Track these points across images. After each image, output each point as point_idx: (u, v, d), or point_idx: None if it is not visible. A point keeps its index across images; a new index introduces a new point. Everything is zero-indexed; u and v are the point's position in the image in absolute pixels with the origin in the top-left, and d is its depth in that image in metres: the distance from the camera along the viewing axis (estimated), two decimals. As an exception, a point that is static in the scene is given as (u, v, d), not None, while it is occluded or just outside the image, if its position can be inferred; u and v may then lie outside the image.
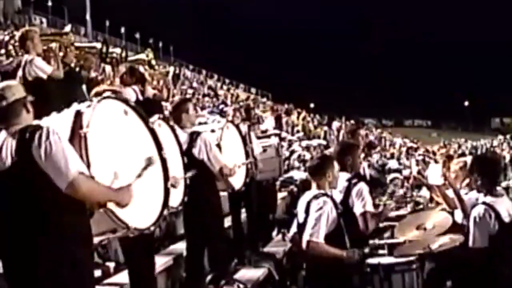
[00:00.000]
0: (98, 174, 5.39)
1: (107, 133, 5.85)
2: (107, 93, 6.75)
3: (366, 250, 8.30)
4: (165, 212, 6.38)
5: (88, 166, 5.30)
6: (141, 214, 5.93)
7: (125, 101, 6.42)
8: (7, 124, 5.25)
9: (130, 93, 12.47)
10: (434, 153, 28.37)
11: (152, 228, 6.17)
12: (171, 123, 8.65)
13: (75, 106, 5.86)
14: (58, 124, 5.51)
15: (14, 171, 5.05)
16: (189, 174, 7.89)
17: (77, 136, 5.44)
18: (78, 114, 5.63)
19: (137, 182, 5.74)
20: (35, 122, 5.40)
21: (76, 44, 13.75)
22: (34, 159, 4.99)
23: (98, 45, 14.15)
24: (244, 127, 11.45)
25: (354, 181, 8.72)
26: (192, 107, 9.81)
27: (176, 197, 7.55)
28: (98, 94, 7.98)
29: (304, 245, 7.63)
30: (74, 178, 4.98)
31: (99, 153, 5.58)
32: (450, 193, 9.10)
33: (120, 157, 5.89)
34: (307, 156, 19.28)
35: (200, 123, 11.47)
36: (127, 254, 8.12)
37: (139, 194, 5.79)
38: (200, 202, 8.89)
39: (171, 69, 17.14)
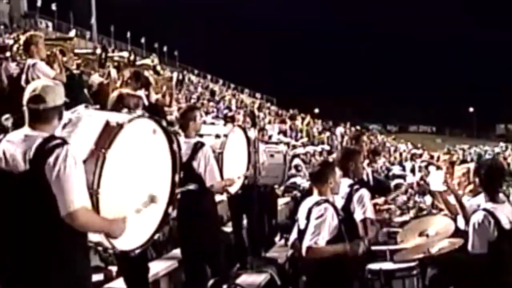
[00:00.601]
0: (105, 196, 5.41)
1: (128, 154, 5.82)
2: (140, 111, 6.71)
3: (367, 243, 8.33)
4: (156, 237, 6.33)
5: (98, 186, 5.32)
6: (131, 236, 5.88)
7: (157, 121, 6.33)
8: (36, 126, 5.26)
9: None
10: (438, 159, 28.37)
11: (137, 251, 6.06)
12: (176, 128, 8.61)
13: (105, 115, 5.87)
14: (84, 133, 5.58)
15: (23, 178, 5.08)
16: (191, 187, 7.87)
17: (96, 153, 5.44)
18: (105, 129, 5.63)
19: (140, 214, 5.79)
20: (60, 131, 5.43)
21: (76, 51, 13.79)
22: (45, 175, 5.01)
23: (98, 50, 14.18)
24: (253, 133, 11.47)
25: (356, 187, 8.75)
26: (199, 115, 9.80)
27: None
28: (120, 98, 8.03)
29: (304, 251, 7.64)
30: (75, 210, 5.02)
31: (115, 173, 5.58)
32: (452, 199, 9.12)
33: (136, 179, 5.88)
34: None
35: (204, 122, 11.39)
36: (120, 260, 8.15)
37: (138, 218, 5.82)
38: (197, 214, 8.90)
39: (175, 74, 17.17)
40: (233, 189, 10.15)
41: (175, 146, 6.44)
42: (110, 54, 13.61)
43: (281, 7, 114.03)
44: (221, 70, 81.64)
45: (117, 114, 6.02)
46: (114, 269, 9.12)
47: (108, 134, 5.57)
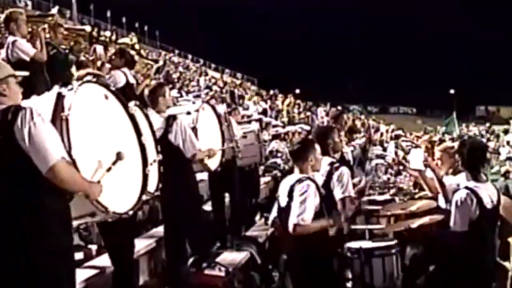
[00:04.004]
0: (78, 158, 5.40)
1: (88, 117, 5.87)
2: (89, 77, 6.77)
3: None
4: (144, 197, 6.43)
5: (70, 149, 5.31)
6: (120, 198, 5.99)
7: (106, 86, 6.45)
8: None
9: (120, 76, 12.51)
10: (417, 139, 28.48)
11: (130, 213, 6.16)
12: (147, 110, 8.62)
13: (57, 89, 5.85)
14: (39, 106, 5.48)
15: None
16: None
17: (58, 118, 5.44)
18: (60, 97, 5.64)
19: (112, 172, 5.80)
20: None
21: (66, 26, 13.70)
22: (16, 140, 4.96)
23: (88, 28, 14.11)
24: (221, 108, 11.48)
25: (336, 165, 8.76)
26: (169, 91, 9.79)
27: (151, 183, 7.58)
28: (80, 78, 7.98)
29: (290, 229, 7.61)
30: (56, 162, 4.98)
31: (81, 136, 5.58)
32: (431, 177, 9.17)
33: (100, 141, 5.93)
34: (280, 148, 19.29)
35: (175, 105, 11.42)
36: (106, 237, 8.14)
37: (118, 179, 5.87)
38: (177, 187, 8.90)
39: (160, 62, 17.20)
40: (213, 166, 10.15)
41: (130, 110, 6.50)
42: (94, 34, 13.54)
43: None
44: (202, 50, 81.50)
45: (68, 86, 6.02)
46: (93, 247, 9.12)
47: (63, 100, 5.61)
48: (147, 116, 7.98)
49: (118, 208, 5.95)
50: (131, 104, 6.81)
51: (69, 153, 5.26)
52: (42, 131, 4.99)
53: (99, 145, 5.88)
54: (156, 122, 8.73)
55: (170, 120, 9.06)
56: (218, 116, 10.63)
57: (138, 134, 6.47)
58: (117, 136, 6.21)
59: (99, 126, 6.01)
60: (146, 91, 9.63)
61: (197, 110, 9.95)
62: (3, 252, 5.08)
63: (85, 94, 5.89)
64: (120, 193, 6.01)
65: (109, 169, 5.81)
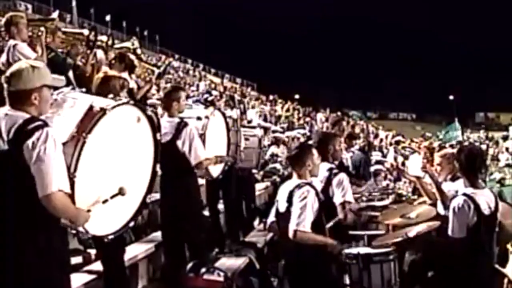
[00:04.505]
0: (80, 181, 5.40)
1: (108, 141, 5.82)
2: (125, 98, 6.66)
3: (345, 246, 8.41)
4: (131, 224, 6.34)
5: (75, 170, 5.32)
6: (105, 222, 5.91)
7: (142, 109, 6.35)
8: (15, 106, 5.23)
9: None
10: (419, 146, 28.50)
11: (110, 237, 6.07)
12: (160, 111, 8.61)
13: (90, 99, 5.84)
14: (67, 115, 5.57)
15: (1, 158, 5.07)
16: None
17: (77, 137, 5.45)
18: (88, 114, 5.61)
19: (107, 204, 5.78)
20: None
21: (63, 29, 13.68)
22: (23, 157, 4.99)
23: (86, 31, 14.09)
24: (234, 112, 11.48)
25: (335, 171, 8.78)
26: (184, 96, 9.80)
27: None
28: (105, 79, 7.99)
29: (290, 234, 7.62)
30: (52, 193, 4.99)
31: (92, 160, 5.56)
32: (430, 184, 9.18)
33: (112, 166, 5.88)
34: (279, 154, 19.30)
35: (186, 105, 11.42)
36: (97, 243, 8.13)
37: (112, 206, 5.81)
38: (179, 192, 8.91)
39: (162, 67, 17.18)
40: (215, 173, 10.17)
41: (158, 135, 6.45)
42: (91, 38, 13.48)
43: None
44: (202, 55, 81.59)
45: (102, 99, 5.99)
46: (92, 252, 9.10)
47: (90, 119, 5.56)
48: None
49: (99, 231, 5.90)
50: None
51: (72, 174, 5.28)
52: (49, 159, 4.99)
53: (108, 172, 5.83)
54: (166, 126, 8.76)
55: (181, 126, 9.05)
56: (227, 122, 10.60)
57: (155, 162, 6.42)
58: (133, 163, 6.15)
59: (118, 150, 5.95)
60: (162, 94, 9.60)
61: (207, 117, 9.92)
62: (9, 252, 5.11)
63: (115, 117, 5.81)
64: (108, 218, 5.91)
65: (105, 201, 5.76)
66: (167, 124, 8.97)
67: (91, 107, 5.67)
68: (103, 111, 5.65)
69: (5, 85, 5.29)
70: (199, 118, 9.82)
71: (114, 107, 5.79)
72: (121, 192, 5.85)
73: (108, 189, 5.78)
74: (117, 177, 5.92)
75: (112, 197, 5.81)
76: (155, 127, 6.44)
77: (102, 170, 5.75)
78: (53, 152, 5.03)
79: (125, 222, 6.20)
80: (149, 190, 6.44)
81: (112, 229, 6.05)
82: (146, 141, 6.33)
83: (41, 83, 5.35)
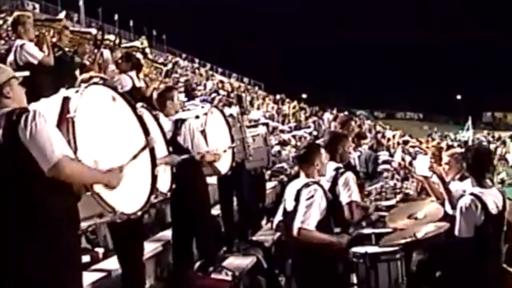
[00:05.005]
0: (85, 159, 5.41)
1: (95, 118, 5.86)
2: (95, 79, 6.79)
3: (354, 233, 8.40)
4: (152, 198, 6.40)
5: (76, 150, 5.31)
6: (128, 199, 5.96)
7: (113, 88, 6.45)
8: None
9: (126, 79, 12.52)
10: (427, 146, 28.45)
11: (139, 213, 6.16)
12: (155, 112, 8.65)
13: (63, 92, 5.87)
14: (45, 109, 5.49)
15: (1, 153, 5.05)
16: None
17: (64, 120, 5.46)
18: (66, 100, 5.64)
19: (128, 166, 5.85)
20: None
21: (71, 29, 13.72)
22: (20, 141, 4.97)
23: (94, 31, 14.12)
24: (234, 109, 11.49)
25: (341, 170, 8.78)
26: (177, 95, 9.82)
27: (165, 183, 7.62)
28: (84, 81, 8.01)
29: (295, 232, 7.62)
30: (58, 160, 4.96)
31: (87, 138, 5.58)
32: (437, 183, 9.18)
33: (108, 143, 5.92)
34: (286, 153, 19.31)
35: (183, 110, 11.44)
36: (116, 239, 8.15)
37: (127, 179, 5.83)
38: (186, 189, 8.90)
39: (169, 65, 17.23)
40: (223, 169, 10.19)
41: (138, 111, 6.48)
42: (99, 37, 13.52)
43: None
44: (209, 54, 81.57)
45: (74, 89, 6.03)
46: (100, 251, 9.13)
47: (69, 102, 5.61)
48: (156, 118, 8.01)
49: (126, 209, 5.93)
50: (138, 105, 6.83)
51: (75, 154, 5.28)
52: (43, 131, 5.00)
53: (107, 146, 5.88)
54: (165, 125, 8.77)
55: (179, 123, 9.07)
56: (227, 119, 10.63)
57: (147, 134, 6.47)
58: (125, 137, 6.20)
59: (106, 128, 5.99)
60: (155, 94, 9.64)
61: (206, 114, 9.97)
62: (8, 251, 5.09)
63: (91, 96, 5.88)
64: (129, 194, 5.97)
65: (135, 157, 5.94)
66: (166, 123, 8.93)
67: (66, 96, 5.73)
68: (78, 93, 5.72)
69: None
70: (197, 117, 9.86)
71: (86, 87, 5.89)
72: (149, 143, 6.09)
73: (111, 162, 5.80)
74: (117, 148, 5.99)
75: (142, 149, 6.05)
76: (132, 104, 6.47)
77: (98, 146, 5.79)
78: (45, 124, 5.05)
79: (146, 196, 6.27)
80: (154, 163, 6.45)
81: (136, 206, 6.14)
82: (128, 117, 6.36)
83: (8, 76, 5.41)
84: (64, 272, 5.23)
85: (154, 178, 6.42)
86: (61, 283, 5.21)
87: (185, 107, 13.83)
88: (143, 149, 6.04)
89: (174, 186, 7.74)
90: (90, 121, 5.75)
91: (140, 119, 6.47)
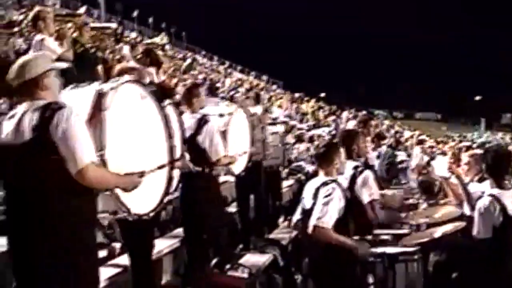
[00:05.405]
0: (111, 157, 5.46)
1: (125, 117, 5.89)
2: (128, 76, 6.78)
3: (369, 237, 8.37)
4: (166, 199, 6.42)
5: (103, 148, 5.37)
6: (142, 199, 5.98)
7: (144, 86, 6.47)
8: (33, 97, 5.27)
9: (148, 71, 12.54)
10: (444, 146, 28.32)
11: (151, 214, 6.19)
12: (181, 108, 8.68)
13: (97, 85, 5.90)
14: (78, 101, 5.56)
15: (30, 147, 5.06)
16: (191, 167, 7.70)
17: (96, 116, 5.49)
18: (100, 94, 5.66)
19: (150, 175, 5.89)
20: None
21: (92, 25, 13.78)
22: (50, 138, 4.99)
23: (114, 25, 14.18)
24: (258, 109, 11.49)
25: (360, 169, 8.74)
26: (204, 92, 9.84)
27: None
28: (122, 71, 8.04)
29: (310, 230, 7.62)
30: (85, 166, 5.00)
31: (115, 136, 5.62)
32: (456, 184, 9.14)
33: (133, 143, 5.95)
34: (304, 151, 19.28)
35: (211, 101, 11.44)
36: (125, 234, 8.15)
37: (144, 181, 5.86)
38: (200, 190, 8.91)
39: (188, 60, 17.27)
40: (237, 170, 10.19)
41: (166, 110, 6.53)
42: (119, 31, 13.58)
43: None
44: (228, 52, 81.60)
45: (108, 83, 6.04)
46: (117, 245, 9.14)
47: (102, 98, 5.62)
48: (180, 116, 8.03)
49: (140, 210, 5.99)
50: (166, 103, 6.85)
51: (101, 151, 5.32)
52: (76, 132, 5.02)
53: (132, 147, 5.91)
54: (187, 121, 8.78)
55: (202, 122, 9.08)
56: (250, 121, 10.62)
57: (169, 135, 6.46)
58: (150, 138, 6.22)
59: (134, 127, 6.02)
60: (182, 90, 9.66)
61: (231, 114, 9.96)
62: (29, 245, 5.12)
63: (125, 94, 5.92)
64: (144, 194, 5.98)
65: (161, 167, 6.05)
66: (189, 120, 9.00)
67: (100, 90, 5.72)
68: (112, 89, 5.74)
69: (13, 82, 5.36)
70: (221, 115, 9.86)
71: (120, 84, 5.91)
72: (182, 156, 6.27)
73: (136, 162, 5.85)
74: (139, 150, 6.01)
75: (168, 163, 6.20)
76: (160, 103, 6.50)
77: (125, 145, 5.83)
78: (78, 127, 5.06)
79: (160, 197, 6.28)
80: (172, 165, 6.45)
81: (150, 207, 6.16)
82: (154, 116, 6.37)
83: (45, 68, 5.41)
84: (81, 263, 5.26)
85: (170, 179, 6.41)
86: (78, 275, 5.23)
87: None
88: (176, 160, 6.16)
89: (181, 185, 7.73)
90: (120, 119, 5.78)
91: (166, 119, 6.47)
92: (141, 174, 5.73)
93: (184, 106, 9.32)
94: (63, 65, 5.78)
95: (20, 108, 5.26)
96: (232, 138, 9.74)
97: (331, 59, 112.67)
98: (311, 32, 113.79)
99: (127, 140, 5.87)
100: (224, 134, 9.54)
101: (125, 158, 5.75)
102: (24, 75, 5.32)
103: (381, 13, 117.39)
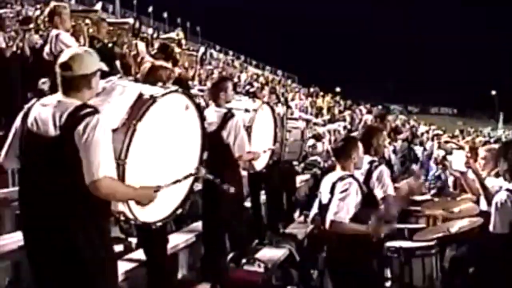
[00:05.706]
0: (132, 167, 5.46)
1: (159, 128, 5.85)
2: (172, 87, 6.65)
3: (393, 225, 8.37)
4: (178, 212, 6.34)
5: (126, 155, 5.38)
6: (154, 209, 5.90)
7: (190, 97, 6.40)
8: (68, 93, 5.27)
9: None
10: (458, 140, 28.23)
11: (158, 224, 6.11)
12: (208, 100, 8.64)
13: (139, 87, 5.91)
14: (117, 102, 5.63)
15: (53, 143, 5.09)
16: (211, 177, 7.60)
17: (127, 124, 5.50)
18: (139, 100, 5.68)
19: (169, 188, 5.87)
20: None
21: (109, 20, 13.81)
22: (74, 142, 5.01)
23: (131, 20, 14.20)
24: (281, 109, 11.47)
25: (375, 163, 8.72)
26: (231, 86, 9.81)
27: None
28: (152, 70, 8.07)
29: (327, 224, 7.60)
30: (99, 178, 5.00)
31: (144, 146, 5.61)
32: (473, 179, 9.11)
33: (161, 155, 5.92)
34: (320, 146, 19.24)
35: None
36: (141, 231, 8.16)
37: (161, 193, 5.82)
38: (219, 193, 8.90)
39: (202, 49, 17.25)
40: (259, 166, 10.17)
41: (206, 124, 6.52)
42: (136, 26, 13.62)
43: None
44: (243, 46, 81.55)
45: (150, 87, 6.06)
46: (133, 240, 9.16)
47: (140, 106, 5.60)
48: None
49: (148, 218, 5.94)
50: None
51: (123, 160, 5.35)
52: (98, 143, 5.02)
53: (160, 158, 5.88)
54: (213, 116, 8.79)
55: (227, 117, 9.05)
56: (275, 118, 10.60)
57: (203, 150, 6.44)
58: (180, 148, 6.18)
59: (168, 137, 5.99)
60: (209, 84, 9.64)
61: (256, 110, 9.91)
62: (53, 236, 5.15)
63: (164, 105, 5.85)
64: (157, 205, 5.87)
65: (176, 182, 5.96)
66: (214, 114, 9.01)
67: (140, 95, 5.72)
68: (152, 98, 5.69)
69: (61, 72, 5.32)
70: (247, 111, 9.80)
71: (163, 95, 5.84)
72: (197, 173, 6.17)
73: (158, 175, 5.81)
74: (166, 163, 5.96)
75: (186, 177, 6.09)
76: (203, 115, 6.49)
77: (152, 157, 5.78)
78: (102, 138, 5.06)
79: (173, 209, 6.22)
80: (196, 179, 6.45)
81: (160, 216, 6.08)
82: (194, 129, 6.35)
83: (97, 67, 5.44)
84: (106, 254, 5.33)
85: (190, 191, 6.38)
86: (105, 263, 5.31)
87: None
88: (188, 176, 6.06)
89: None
90: (153, 130, 5.74)
91: (204, 133, 6.46)
92: (157, 189, 5.68)
93: (210, 99, 9.30)
94: (105, 67, 5.76)
95: (54, 99, 5.28)
96: (256, 135, 9.69)
97: (346, 54, 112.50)
98: (327, 28, 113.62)
99: (154, 151, 5.83)
100: (248, 130, 9.50)
101: (147, 169, 5.72)
102: (79, 69, 5.29)
103: (403, 13, 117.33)
